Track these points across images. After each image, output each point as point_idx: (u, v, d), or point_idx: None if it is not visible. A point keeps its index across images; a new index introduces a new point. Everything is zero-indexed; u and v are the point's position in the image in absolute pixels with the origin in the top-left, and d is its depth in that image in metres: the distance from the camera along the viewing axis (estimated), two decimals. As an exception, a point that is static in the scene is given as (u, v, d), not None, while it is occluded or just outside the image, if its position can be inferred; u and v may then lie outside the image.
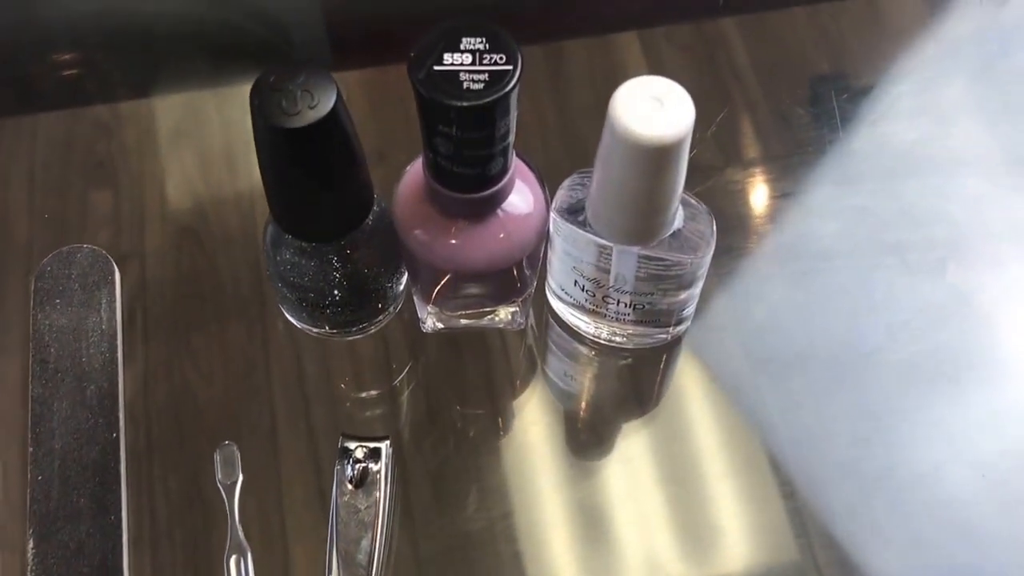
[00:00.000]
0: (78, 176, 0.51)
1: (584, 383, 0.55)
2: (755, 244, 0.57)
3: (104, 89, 0.59)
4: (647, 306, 0.49)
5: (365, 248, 0.47)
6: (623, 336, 0.53)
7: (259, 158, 0.42)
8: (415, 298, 0.52)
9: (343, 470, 0.46)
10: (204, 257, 0.50)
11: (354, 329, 0.52)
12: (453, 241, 0.45)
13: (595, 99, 0.61)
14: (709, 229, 0.46)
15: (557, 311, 0.54)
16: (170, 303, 0.49)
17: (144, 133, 0.54)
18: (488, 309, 0.52)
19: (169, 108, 0.57)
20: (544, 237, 0.47)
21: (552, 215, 0.47)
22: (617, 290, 0.48)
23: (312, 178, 0.42)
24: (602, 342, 0.54)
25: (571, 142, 0.60)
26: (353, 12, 0.66)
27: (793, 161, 0.60)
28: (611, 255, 0.46)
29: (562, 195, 0.47)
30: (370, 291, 0.49)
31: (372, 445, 0.47)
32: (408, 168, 0.47)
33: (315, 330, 0.52)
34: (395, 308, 0.52)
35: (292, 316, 0.51)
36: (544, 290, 0.54)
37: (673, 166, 0.40)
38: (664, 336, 0.52)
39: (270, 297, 0.50)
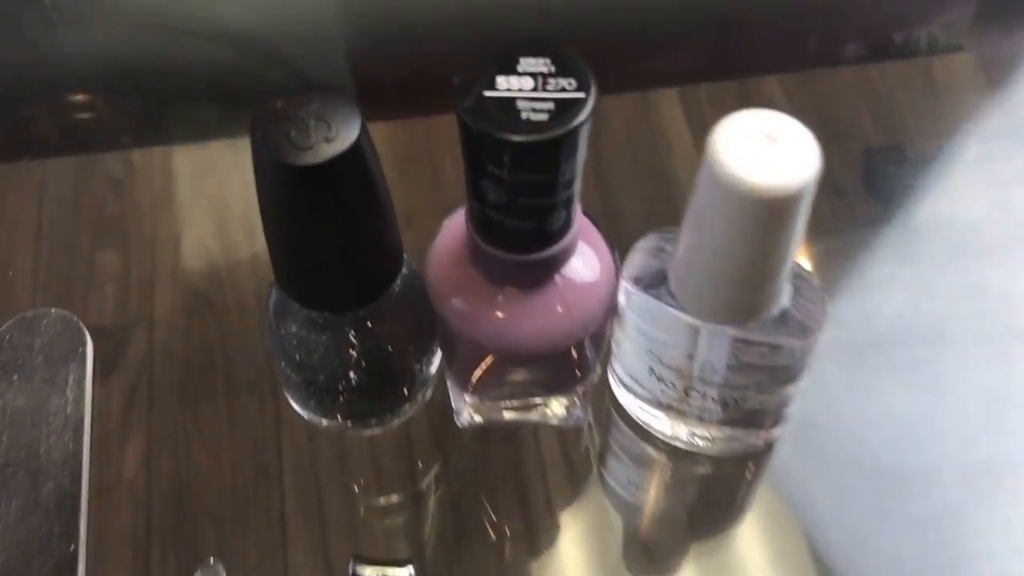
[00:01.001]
0: (86, 233, 0.46)
1: (651, 495, 0.47)
2: (852, 330, 0.49)
3: (115, 137, 0.54)
4: (739, 402, 0.41)
5: (390, 321, 0.39)
6: (706, 439, 0.44)
7: (260, 204, 0.34)
8: (449, 384, 0.44)
9: (352, 604, 0.38)
10: (216, 325, 0.44)
11: (373, 421, 0.44)
12: (499, 314, 0.37)
13: (630, 159, 0.55)
14: (820, 309, 0.38)
15: (623, 404, 0.46)
16: (178, 373, 0.43)
17: (157, 188, 0.49)
18: (539, 400, 0.44)
19: (184, 161, 0.52)
20: (612, 312, 0.40)
21: (624, 285, 0.39)
22: (703, 381, 0.40)
23: (327, 231, 0.34)
24: (678, 445, 0.45)
25: (606, 208, 0.53)
26: (381, 59, 0.61)
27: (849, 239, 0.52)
28: (698, 337, 0.38)
29: (637, 260, 0.39)
30: (394, 374, 0.41)
31: (391, 573, 0.38)
32: (446, 222, 0.40)
33: (325, 422, 0.44)
34: (424, 396, 0.44)
35: (297, 403, 0.43)
36: (607, 377, 0.46)
37: (790, 224, 0.32)
38: (756, 441, 0.44)
39: (285, 370, 0.43)
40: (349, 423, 0.44)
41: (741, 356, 0.38)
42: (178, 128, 0.55)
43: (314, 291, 0.37)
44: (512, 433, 0.46)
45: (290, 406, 0.44)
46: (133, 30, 0.57)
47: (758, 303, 0.36)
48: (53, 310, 0.47)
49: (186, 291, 0.46)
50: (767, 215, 0.32)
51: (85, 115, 0.56)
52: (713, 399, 0.41)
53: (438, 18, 0.60)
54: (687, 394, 0.41)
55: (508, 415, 0.45)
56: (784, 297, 0.37)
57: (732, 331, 0.37)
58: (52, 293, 0.46)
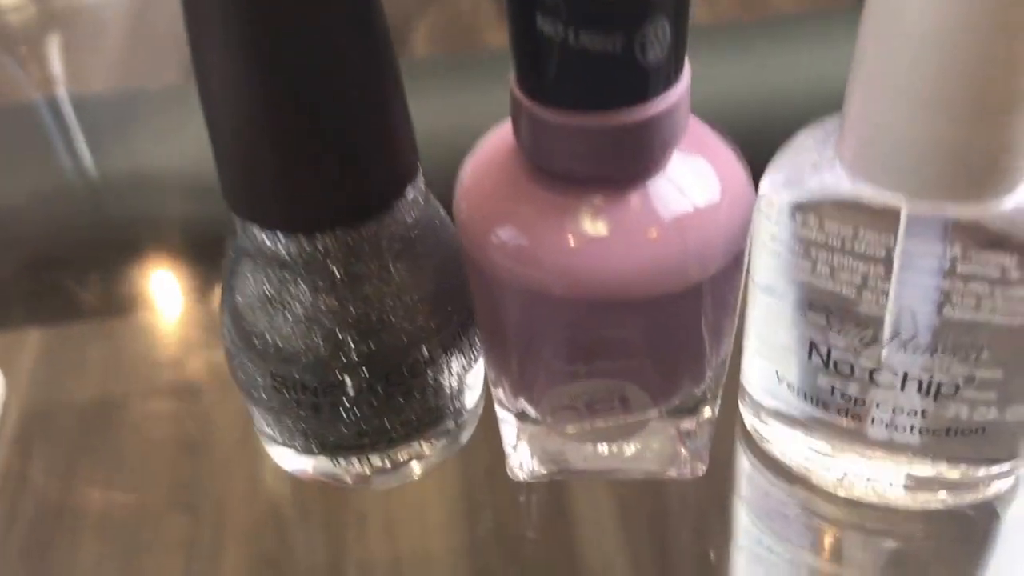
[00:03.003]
0: (158, 494, 0.39)
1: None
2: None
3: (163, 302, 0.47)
4: (948, 393, 0.26)
5: (398, 270, 0.26)
6: (901, 480, 0.29)
7: (191, 39, 0.22)
8: (495, 393, 0.30)
9: None
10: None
11: (384, 462, 0.29)
12: (570, 241, 0.24)
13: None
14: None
15: (758, 436, 0.31)
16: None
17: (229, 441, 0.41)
18: (633, 419, 0.29)
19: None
20: (746, 241, 0.26)
21: (765, 190, 0.26)
22: (901, 345, 0.25)
23: (293, 69, 0.22)
24: (854, 498, 0.30)
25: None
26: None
27: None
28: (893, 254, 0.24)
29: (784, 165, 0.26)
30: (403, 366, 0.27)
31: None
32: (481, 141, 0.27)
33: (312, 461, 0.29)
34: (458, 421, 0.30)
35: (266, 429, 0.29)
36: (732, 399, 0.31)
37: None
38: (971, 490, 0.29)
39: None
40: (347, 464, 0.29)
41: (964, 289, 0.24)
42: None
43: (273, 194, 0.24)
44: (586, 491, 0.31)
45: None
46: (179, 196, 0.52)
47: (998, 162, 0.22)
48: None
49: (255, 553, 0.37)
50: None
51: (131, 280, 0.49)
52: (914, 383, 0.26)
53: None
54: (872, 381, 0.26)
55: (583, 453, 0.30)
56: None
57: (948, 219, 0.23)
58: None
